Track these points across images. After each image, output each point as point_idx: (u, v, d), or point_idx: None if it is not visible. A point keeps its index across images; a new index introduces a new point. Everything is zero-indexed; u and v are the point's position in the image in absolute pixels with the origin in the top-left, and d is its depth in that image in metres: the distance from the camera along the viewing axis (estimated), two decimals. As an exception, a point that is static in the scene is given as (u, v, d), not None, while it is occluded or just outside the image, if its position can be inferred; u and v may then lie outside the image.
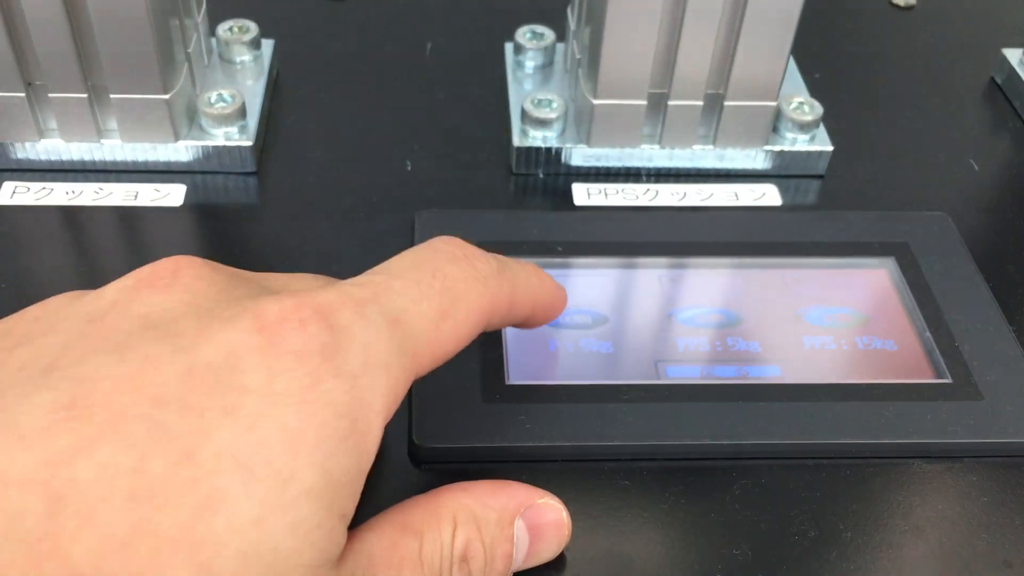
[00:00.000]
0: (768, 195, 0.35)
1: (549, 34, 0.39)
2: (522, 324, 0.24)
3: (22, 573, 0.16)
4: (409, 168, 0.36)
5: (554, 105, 0.35)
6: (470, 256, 0.22)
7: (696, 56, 0.33)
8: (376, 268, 0.21)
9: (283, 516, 0.17)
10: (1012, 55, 0.40)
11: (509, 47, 0.39)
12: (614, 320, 0.30)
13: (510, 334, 0.29)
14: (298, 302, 0.19)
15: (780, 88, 0.34)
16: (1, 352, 0.19)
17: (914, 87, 0.41)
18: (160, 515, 0.16)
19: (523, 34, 0.39)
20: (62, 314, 0.20)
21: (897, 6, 0.45)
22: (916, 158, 0.37)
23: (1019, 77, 0.39)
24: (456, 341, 0.21)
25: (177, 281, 0.19)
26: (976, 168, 0.37)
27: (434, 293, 0.20)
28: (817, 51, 0.42)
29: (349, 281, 0.20)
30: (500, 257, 0.23)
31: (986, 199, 0.35)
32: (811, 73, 0.40)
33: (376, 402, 0.19)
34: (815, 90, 0.38)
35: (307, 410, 0.18)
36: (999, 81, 0.41)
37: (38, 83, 0.33)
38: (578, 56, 0.36)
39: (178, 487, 0.17)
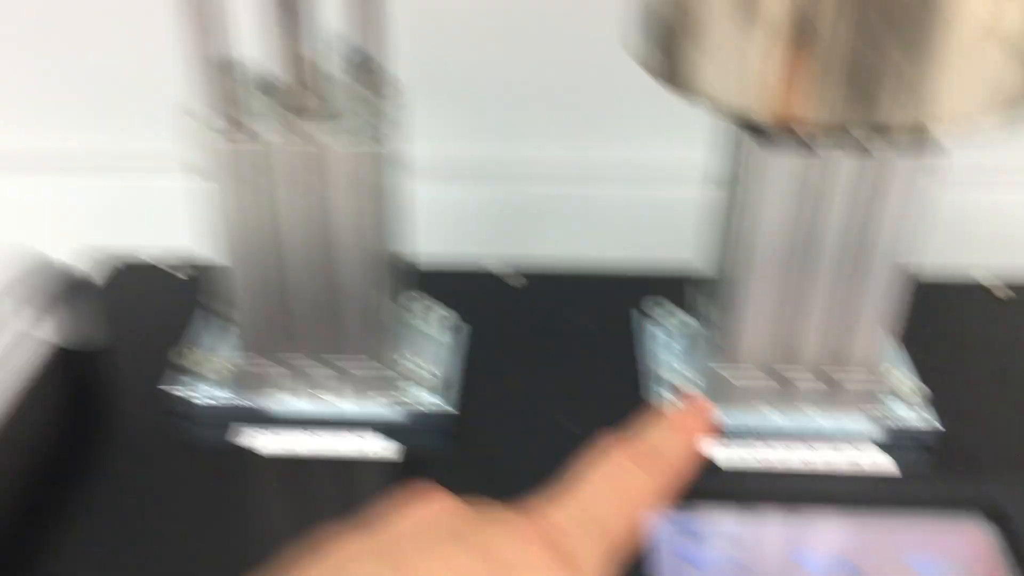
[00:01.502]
0: (879, 462, 0.41)
1: (671, 307, 0.47)
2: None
3: None
4: (569, 427, 0.43)
5: (687, 374, 0.43)
6: (638, 460, 0.30)
7: (810, 337, 0.40)
8: (577, 486, 0.29)
9: None
10: None
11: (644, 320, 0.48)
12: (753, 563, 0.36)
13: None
14: (545, 528, 0.27)
15: (881, 366, 0.41)
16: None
17: (1004, 356, 0.46)
18: None
19: (660, 312, 0.47)
20: (388, 533, 0.27)
21: (998, 298, 0.52)
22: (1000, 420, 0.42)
23: None
24: (639, 534, 0.28)
25: (444, 506, 0.27)
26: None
27: (623, 504, 0.28)
28: (926, 339, 0.48)
29: (565, 509, 0.28)
30: (658, 452, 0.30)
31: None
32: (918, 355, 0.46)
33: None
34: (922, 370, 0.44)
35: None
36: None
37: (293, 356, 0.43)
38: (707, 331, 0.43)
39: None
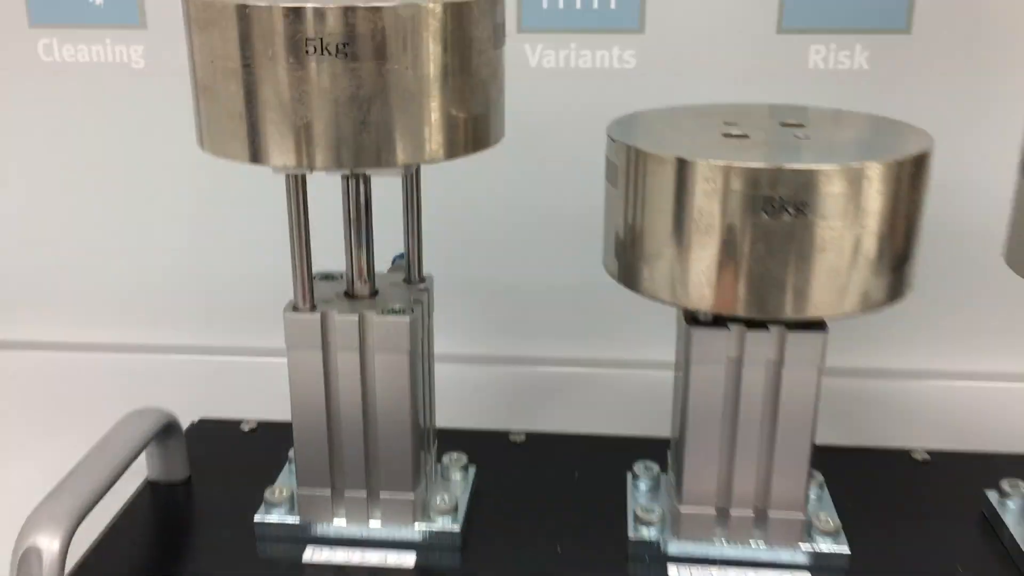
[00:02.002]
0: (804, 580, 0.51)
1: (655, 467, 0.58)
2: None
3: None
4: (559, 551, 0.54)
5: (655, 512, 0.54)
6: None
7: (745, 484, 0.51)
8: None
9: None
10: (992, 496, 0.56)
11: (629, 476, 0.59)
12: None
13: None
14: None
15: (806, 505, 0.52)
16: None
17: (918, 505, 0.57)
18: None
19: (639, 466, 0.58)
20: None
21: (916, 460, 0.62)
22: (913, 557, 0.53)
23: (998, 516, 0.55)
24: None
25: None
26: (959, 570, 0.52)
27: None
28: (853, 489, 0.59)
29: None
30: None
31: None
32: (842, 501, 0.57)
33: None
34: (842, 511, 0.55)
35: None
36: (987, 515, 0.56)
37: (338, 486, 0.54)
38: (672, 480, 0.55)
39: None
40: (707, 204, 0.44)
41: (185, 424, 0.62)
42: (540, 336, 0.78)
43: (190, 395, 0.69)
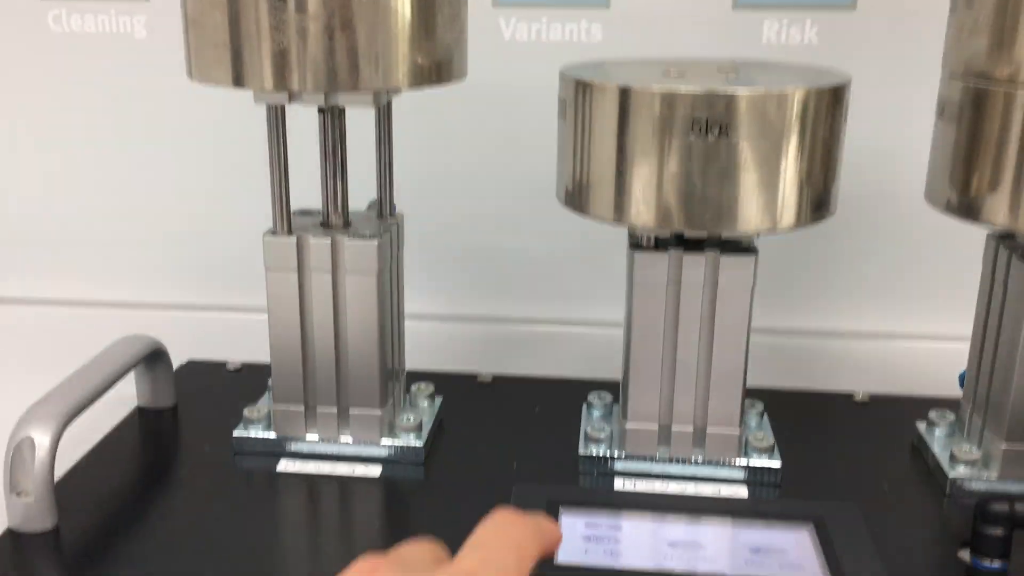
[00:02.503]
0: (737, 491, 0.55)
1: (608, 396, 0.62)
2: (546, 557, 0.37)
3: None
4: (515, 467, 0.58)
5: (604, 431, 0.58)
6: (524, 522, 0.36)
7: (685, 401, 0.56)
8: (472, 543, 0.33)
9: None
10: (920, 426, 0.60)
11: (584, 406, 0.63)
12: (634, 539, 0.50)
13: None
14: (457, 572, 0.31)
15: (742, 422, 0.56)
16: None
17: (854, 437, 0.61)
18: None
19: (593, 396, 0.63)
20: None
21: (856, 402, 0.67)
22: (841, 477, 0.57)
23: (925, 442, 0.59)
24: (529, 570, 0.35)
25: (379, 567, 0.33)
26: (886, 488, 0.56)
27: (515, 554, 0.34)
28: (795, 423, 0.63)
29: (469, 558, 0.33)
30: (537, 519, 0.37)
31: (881, 502, 0.54)
32: (785, 436, 0.61)
33: None
34: (783, 443, 0.59)
35: None
36: (916, 443, 0.60)
37: (310, 402, 0.59)
38: (620, 403, 0.59)
39: None
40: (644, 128, 0.49)
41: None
42: (511, 296, 0.82)
43: (186, 348, 0.74)
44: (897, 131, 0.73)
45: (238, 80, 0.50)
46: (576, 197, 0.53)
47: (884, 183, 0.75)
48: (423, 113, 0.73)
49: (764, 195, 0.49)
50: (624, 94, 0.49)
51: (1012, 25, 0.48)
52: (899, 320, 0.79)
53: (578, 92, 0.51)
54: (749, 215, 0.49)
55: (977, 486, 0.55)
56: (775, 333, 0.78)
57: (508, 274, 0.82)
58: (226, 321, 0.82)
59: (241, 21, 0.48)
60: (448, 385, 0.67)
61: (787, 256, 0.79)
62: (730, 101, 0.47)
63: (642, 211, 0.50)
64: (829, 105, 0.49)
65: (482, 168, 0.80)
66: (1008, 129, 0.49)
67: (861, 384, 0.69)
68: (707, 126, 0.47)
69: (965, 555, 0.49)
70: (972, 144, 0.50)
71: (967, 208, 0.51)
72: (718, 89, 0.47)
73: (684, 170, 0.48)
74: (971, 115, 0.50)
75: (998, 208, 0.50)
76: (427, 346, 0.76)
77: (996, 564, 0.48)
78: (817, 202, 0.51)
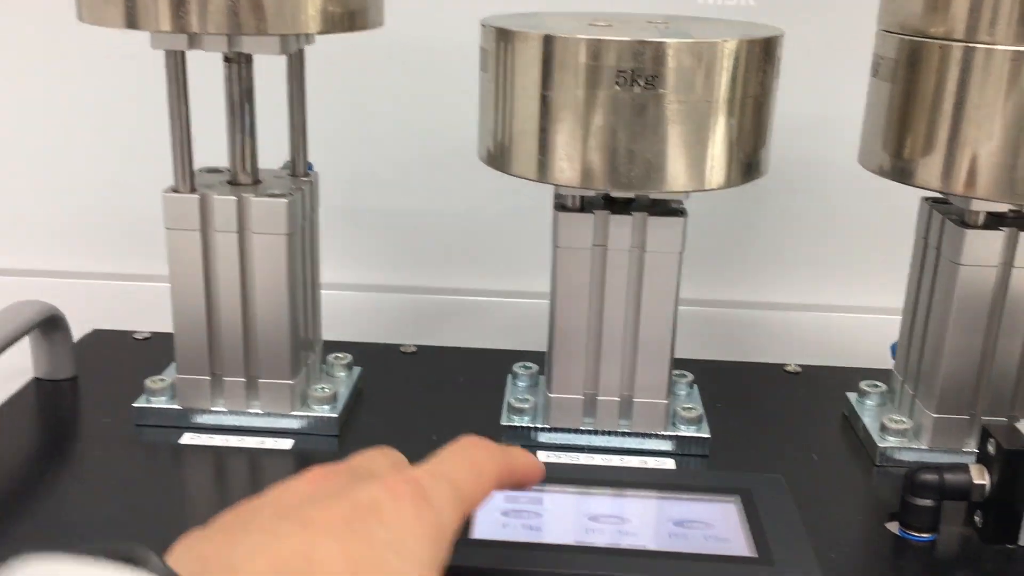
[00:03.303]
0: (664, 462, 0.53)
1: (534, 367, 0.60)
2: (517, 486, 0.39)
3: None
4: (434, 439, 0.55)
5: (528, 402, 0.55)
6: (487, 445, 0.37)
7: (614, 372, 0.53)
8: (433, 457, 0.36)
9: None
10: (851, 396, 0.59)
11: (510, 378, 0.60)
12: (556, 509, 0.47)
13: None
14: (405, 477, 0.33)
15: (669, 393, 0.54)
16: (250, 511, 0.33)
17: (785, 408, 0.59)
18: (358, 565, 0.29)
19: (518, 366, 0.60)
20: (278, 498, 0.33)
21: (788, 372, 0.65)
22: (771, 448, 0.55)
23: (856, 413, 0.58)
24: (484, 495, 0.36)
25: (329, 473, 0.35)
26: (815, 459, 0.54)
27: (470, 468, 0.35)
28: (726, 393, 0.61)
29: (423, 466, 0.35)
30: (503, 446, 0.39)
31: (810, 473, 0.52)
32: (716, 408, 0.59)
33: (451, 525, 0.33)
34: (713, 414, 0.57)
35: (419, 529, 0.31)
36: (847, 414, 0.59)
37: (217, 372, 0.55)
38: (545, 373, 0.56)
39: (369, 559, 0.30)
40: (567, 79, 0.46)
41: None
42: (437, 265, 0.79)
43: (99, 318, 0.70)
44: (831, 96, 0.71)
45: (131, 21, 0.46)
46: (498, 154, 0.50)
47: (817, 150, 0.73)
48: (340, 66, 0.70)
49: (693, 152, 0.47)
50: (548, 43, 0.46)
51: (948, -23, 0.46)
52: (832, 292, 0.78)
53: (500, 42, 0.48)
54: (677, 173, 0.47)
55: (907, 456, 0.53)
56: (707, 304, 0.77)
57: (433, 241, 0.79)
58: (145, 290, 0.77)
59: (133, -44, 0.45)
60: (369, 355, 0.64)
61: (718, 226, 0.77)
62: (658, 50, 0.45)
63: (565, 168, 0.47)
64: (760, 58, 0.47)
65: (405, 126, 0.77)
66: (943, 87, 0.47)
67: (794, 356, 0.67)
68: (633, 77, 0.45)
69: (893, 527, 0.47)
70: (906, 103, 0.49)
71: (901, 171, 0.50)
72: (646, 38, 0.45)
73: (609, 124, 0.46)
74: (905, 72, 0.48)
75: (932, 171, 0.48)
76: (348, 317, 0.73)
77: (925, 536, 0.46)
78: (748, 161, 0.49)
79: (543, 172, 0.48)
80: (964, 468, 0.46)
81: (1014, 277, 0.50)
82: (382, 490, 0.32)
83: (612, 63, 0.45)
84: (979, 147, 0.47)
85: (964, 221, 0.50)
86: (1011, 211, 0.50)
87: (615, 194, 0.51)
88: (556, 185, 0.49)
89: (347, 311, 0.74)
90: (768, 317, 0.78)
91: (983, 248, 0.50)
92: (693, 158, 0.47)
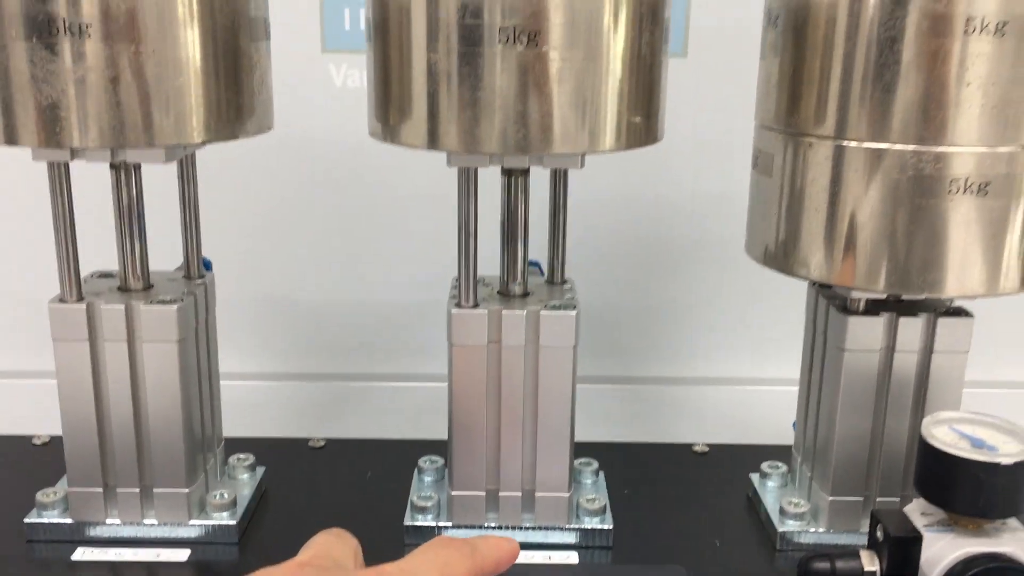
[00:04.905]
0: (568, 556, 0.53)
1: (440, 460, 0.59)
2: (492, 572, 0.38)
3: None
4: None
5: (432, 500, 0.55)
6: (458, 546, 0.37)
7: (515, 467, 0.53)
8: (406, 558, 0.35)
9: None
10: (754, 477, 0.60)
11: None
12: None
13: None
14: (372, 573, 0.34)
15: (569, 485, 0.54)
16: None
17: (691, 490, 0.60)
18: None
19: (424, 461, 0.60)
20: None
21: (696, 452, 0.66)
22: (675, 535, 0.55)
23: (759, 495, 0.58)
24: None
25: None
26: (718, 544, 0.55)
27: (439, 570, 0.35)
28: (634, 478, 0.61)
29: (397, 564, 0.35)
30: (471, 541, 0.38)
31: (712, 560, 0.53)
32: (623, 494, 0.59)
33: None
34: (620, 501, 0.57)
35: None
36: (750, 495, 0.60)
37: (110, 483, 0.54)
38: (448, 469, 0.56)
39: None
40: (448, 40, 0.45)
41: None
42: (342, 351, 0.79)
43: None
44: (733, 178, 0.73)
45: (10, 138, 0.45)
46: (389, 128, 0.49)
47: (719, 228, 0.75)
48: (241, 162, 0.70)
49: (580, 112, 0.46)
50: (429, 4, 0.45)
51: (810, 79, 0.48)
52: (740, 365, 0.79)
53: (383, 10, 0.48)
54: (567, 134, 0.46)
55: (806, 539, 0.54)
56: (613, 382, 0.78)
57: (337, 328, 0.79)
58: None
59: (10, 72, 0.44)
60: (276, 452, 0.63)
61: (623, 305, 0.78)
62: (538, 6, 0.44)
63: (451, 133, 0.46)
64: (649, 19, 0.47)
65: (309, 216, 0.77)
66: (817, 182, 0.48)
67: (706, 431, 0.68)
68: (515, 34, 0.44)
69: (791, 614, 0.48)
70: (782, 196, 0.50)
71: (783, 260, 0.51)
72: None
73: (488, 85, 0.45)
74: (782, 166, 0.50)
75: (812, 260, 0.50)
76: (254, 408, 0.73)
77: (821, 622, 0.47)
78: (639, 125, 0.49)
79: (431, 140, 0.47)
80: (855, 555, 0.47)
81: (897, 360, 0.52)
82: None
83: (495, 21, 0.44)
84: (854, 239, 0.48)
85: (846, 308, 0.52)
86: (890, 297, 0.52)
87: (506, 164, 0.50)
88: (448, 154, 0.48)
89: (251, 402, 0.73)
90: (677, 392, 0.79)
91: (865, 334, 0.51)
92: (581, 118, 0.46)
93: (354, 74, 0.75)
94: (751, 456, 0.63)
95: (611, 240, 0.77)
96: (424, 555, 0.36)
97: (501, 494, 0.54)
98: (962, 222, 0.47)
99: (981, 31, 0.44)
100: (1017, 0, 0.44)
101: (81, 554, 0.53)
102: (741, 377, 0.79)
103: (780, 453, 0.61)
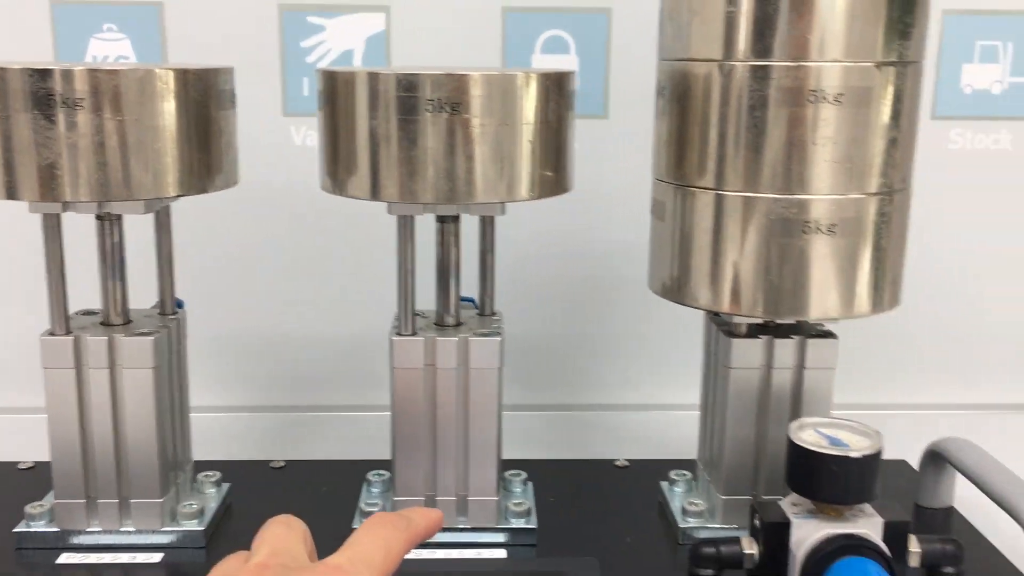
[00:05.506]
0: (497, 553, 0.61)
1: (387, 473, 0.67)
2: (423, 541, 0.43)
3: None
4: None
5: (378, 505, 0.62)
6: (393, 521, 0.41)
7: (449, 474, 0.61)
8: (349, 541, 0.39)
9: None
10: (664, 484, 0.68)
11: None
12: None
13: None
14: (330, 568, 0.36)
15: (498, 490, 0.62)
16: None
17: (609, 498, 0.68)
18: None
19: (372, 475, 0.67)
20: None
21: (617, 467, 0.74)
22: (592, 535, 0.63)
23: (666, 499, 0.67)
24: (394, 568, 0.40)
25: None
26: (628, 540, 0.63)
27: (382, 547, 0.39)
28: (559, 493, 0.69)
29: (344, 553, 0.38)
30: (404, 514, 0.43)
31: (623, 553, 0.61)
32: (548, 502, 0.67)
33: None
34: (545, 508, 0.65)
35: None
36: (661, 501, 0.68)
37: (91, 495, 0.61)
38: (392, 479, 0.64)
39: None
40: (387, 109, 0.54)
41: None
42: (304, 383, 0.87)
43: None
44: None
45: (11, 193, 0.53)
46: (337, 182, 0.58)
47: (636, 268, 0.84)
48: (210, 213, 0.78)
49: (498, 167, 0.55)
50: (372, 79, 0.55)
51: (692, 140, 0.57)
52: (663, 391, 0.88)
53: (327, 82, 0.57)
54: (487, 187, 0.56)
55: (704, 534, 0.62)
56: (543, 409, 0.86)
57: (301, 362, 0.87)
58: (26, 422, 0.82)
59: (13, 137, 0.52)
60: (240, 472, 0.70)
61: (552, 335, 0.87)
62: (460, 83, 0.54)
63: (389, 186, 0.55)
64: (553, 89, 0.57)
65: (271, 261, 0.85)
66: (702, 224, 0.57)
67: (624, 451, 0.76)
68: (440, 105, 0.54)
69: (686, 597, 0.56)
70: (675, 238, 0.59)
71: (677, 292, 0.60)
72: (452, 71, 0.54)
73: (420, 146, 0.54)
74: (673, 212, 0.59)
75: (701, 292, 0.59)
76: (221, 437, 0.80)
77: (709, 603, 0.55)
78: (551, 178, 0.58)
79: (372, 191, 0.56)
80: (736, 541, 0.55)
81: (775, 377, 0.60)
82: None
83: (418, 94, 0.54)
84: (734, 273, 0.57)
85: (732, 332, 0.61)
86: (768, 321, 0.60)
87: (439, 212, 0.59)
88: (388, 204, 0.57)
89: (218, 430, 0.80)
90: (605, 417, 0.87)
91: (747, 354, 0.60)
92: (498, 173, 0.55)
93: (312, 135, 0.83)
94: (667, 468, 0.71)
95: (538, 279, 0.86)
96: (366, 535, 0.39)
97: (438, 499, 0.62)
98: (818, 257, 0.56)
99: (823, 100, 0.54)
100: (850, 75, 0.53)
101: (65, 559, 0.60)
102: (665, 403, 0.88)
103: (691, 465, 0.69)
